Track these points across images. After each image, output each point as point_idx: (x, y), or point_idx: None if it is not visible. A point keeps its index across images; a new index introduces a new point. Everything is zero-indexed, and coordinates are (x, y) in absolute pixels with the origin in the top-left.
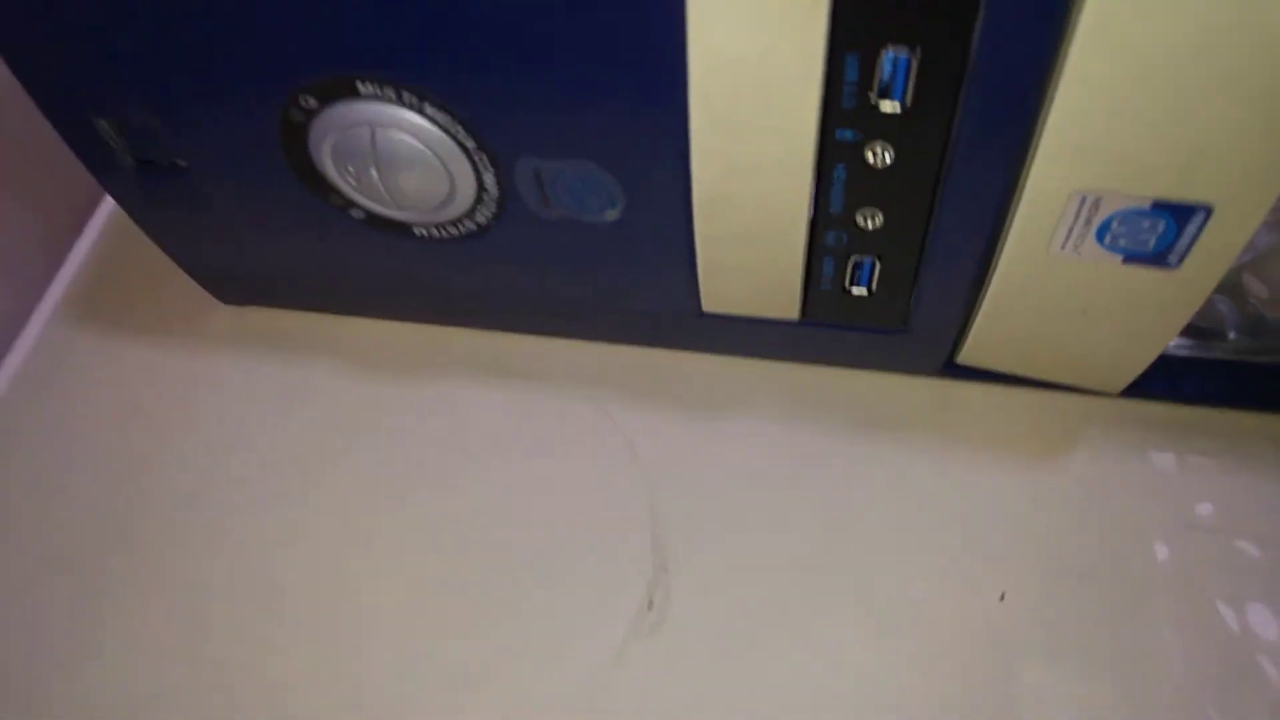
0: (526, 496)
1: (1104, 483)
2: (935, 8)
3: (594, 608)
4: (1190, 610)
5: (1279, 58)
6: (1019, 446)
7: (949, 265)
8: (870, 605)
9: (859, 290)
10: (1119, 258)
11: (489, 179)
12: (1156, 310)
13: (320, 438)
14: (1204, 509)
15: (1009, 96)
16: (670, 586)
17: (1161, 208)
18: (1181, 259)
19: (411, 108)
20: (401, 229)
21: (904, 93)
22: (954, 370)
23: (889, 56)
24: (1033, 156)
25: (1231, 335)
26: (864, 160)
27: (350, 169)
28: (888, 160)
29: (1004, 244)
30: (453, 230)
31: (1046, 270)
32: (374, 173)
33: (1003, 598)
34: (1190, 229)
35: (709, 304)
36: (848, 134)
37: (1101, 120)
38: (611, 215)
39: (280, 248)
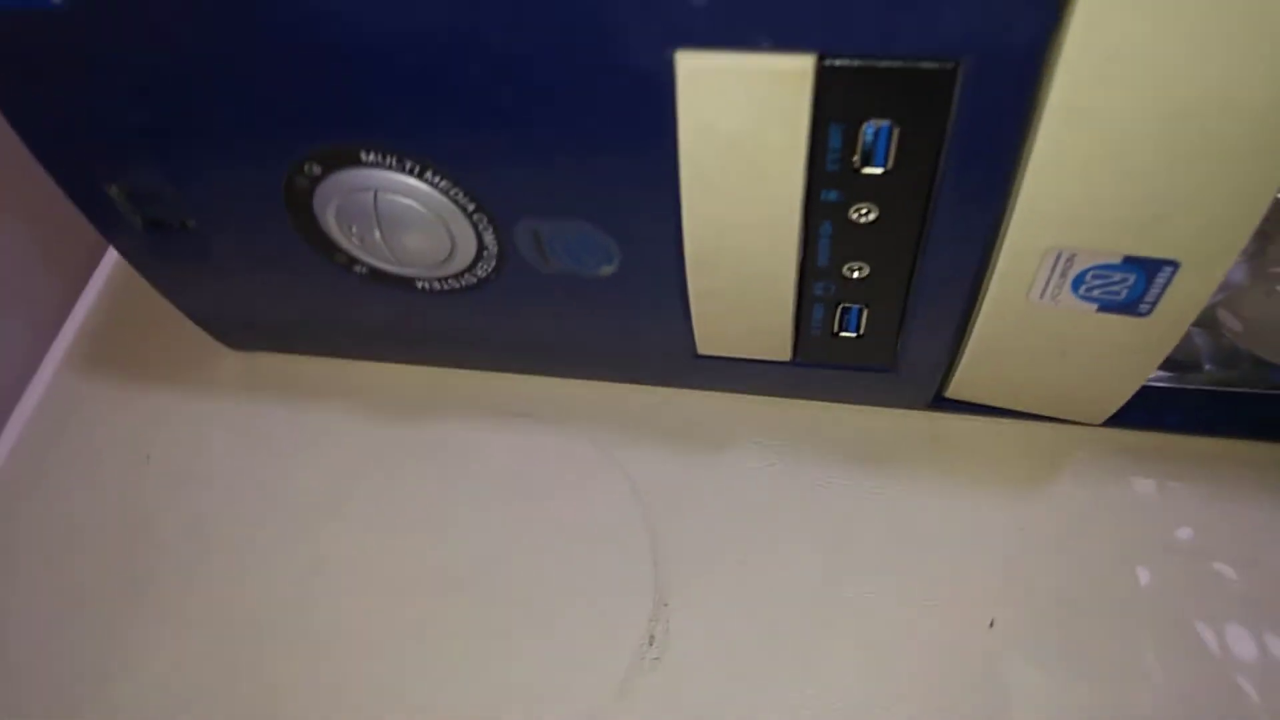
0: (529, 534)
1: (1088, 509)
2: (913, 87)
3: (595, 644)
4: (1171, 632)
5: (1239, 127)
6: (1007, 476)
7: (933, 312)
8: (865, 636)
9: (848, 334)
10: (1094, 306)
11: (489, 238)
12: (1132, 353)
13: (329, 480)
14: (1183, 533)
15: (985, 163)
16: (670, 621)
17: (1131, 262)
18: (1152, 308)
19: (413, 174)
20: (405, 283)
21: (886, 158)
22: (943, 404)
23: (870, 127)
24: (1010, 216)
25: (1208, 367)
26: (849, 218)
27: (354, 230)
28: (872, 218)
29: (985, 294)
30: (454, 284)
31: (1026, 317)
32: (377, 234)
33: (992, 624)
34: (1159, 281)
35: (704, 347)
36: (832, 195)
37: (1072, 184)
38: (608, 270)
39: (286, 300)
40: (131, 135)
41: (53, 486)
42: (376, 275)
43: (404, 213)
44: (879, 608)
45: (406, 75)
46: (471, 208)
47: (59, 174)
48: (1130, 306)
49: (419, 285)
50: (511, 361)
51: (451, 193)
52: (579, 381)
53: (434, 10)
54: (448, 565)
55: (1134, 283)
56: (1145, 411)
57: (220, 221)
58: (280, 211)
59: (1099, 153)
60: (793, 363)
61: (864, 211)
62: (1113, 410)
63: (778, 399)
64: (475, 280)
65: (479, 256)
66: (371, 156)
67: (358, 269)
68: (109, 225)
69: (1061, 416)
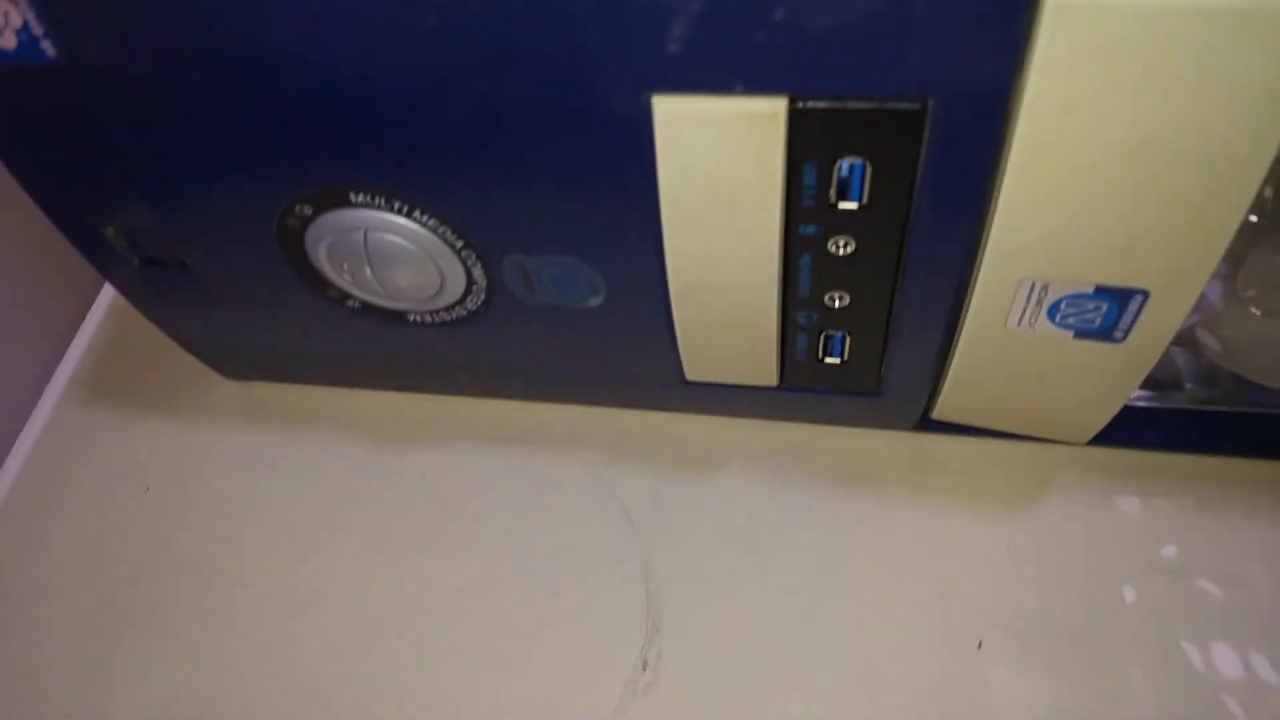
0: (522, 560)
1: (1073, 529)
2: (884, 126)
3: (589, 669)
4: (1157, 651)
5: (1194, 167)
6: (993, 496)
7: (915, 338)
8: (855, 658)
9: (832, 360)
10: (1070, 333)
11: (477, 272)
12: (1110, 377)
13: (325, 508)
14: (1168, 551)
15: (956, 197)
16: (663, 646)
17: (1103, 292)
18: (1127, 334)
19: (401, 213)
20: (396, 316)
21: (860, 194)
22: (929, 425)
23: (844, 164)
24: (984, 247)
25: (1189, 385)
26: (827, 251)
27: (345, 267)
28: (850, 250)
29: (965, 321)
30: (445, 316)
31: (1005, 344)
32: (368, 270)
33: (980, 646)
34: (1131, 308)
35: (691, 374)
36: (810, 229)
37: (1042, 217)
38: (595, 302)
39: (281, 332)
40: (125, 180)
41: (55, 517)
42: (369, 309)
43: (394, 250)
44: (868, 629)
45: (393, 121)
46: (459, 245)
47: (56, 216)
48: (1105, 333)
49: (410, 318)
50: (502, 388)
51: (440, 231)
52: (569, 406)
53: (419, 58)
54: (441, 592)
55: (1107, 311)
56: (1128, 430)
57: (215, 260)
58: (273, 250)
59: (1065, 188)
60: (779, 388)
61: (842, 244)
62: (1095, 431)
63: (767, 421)
64: (465, 313)
65: (468, 290)
66: (361, 197)
67: (350, 303)
68: (106, 263)
69: (1045, 437)
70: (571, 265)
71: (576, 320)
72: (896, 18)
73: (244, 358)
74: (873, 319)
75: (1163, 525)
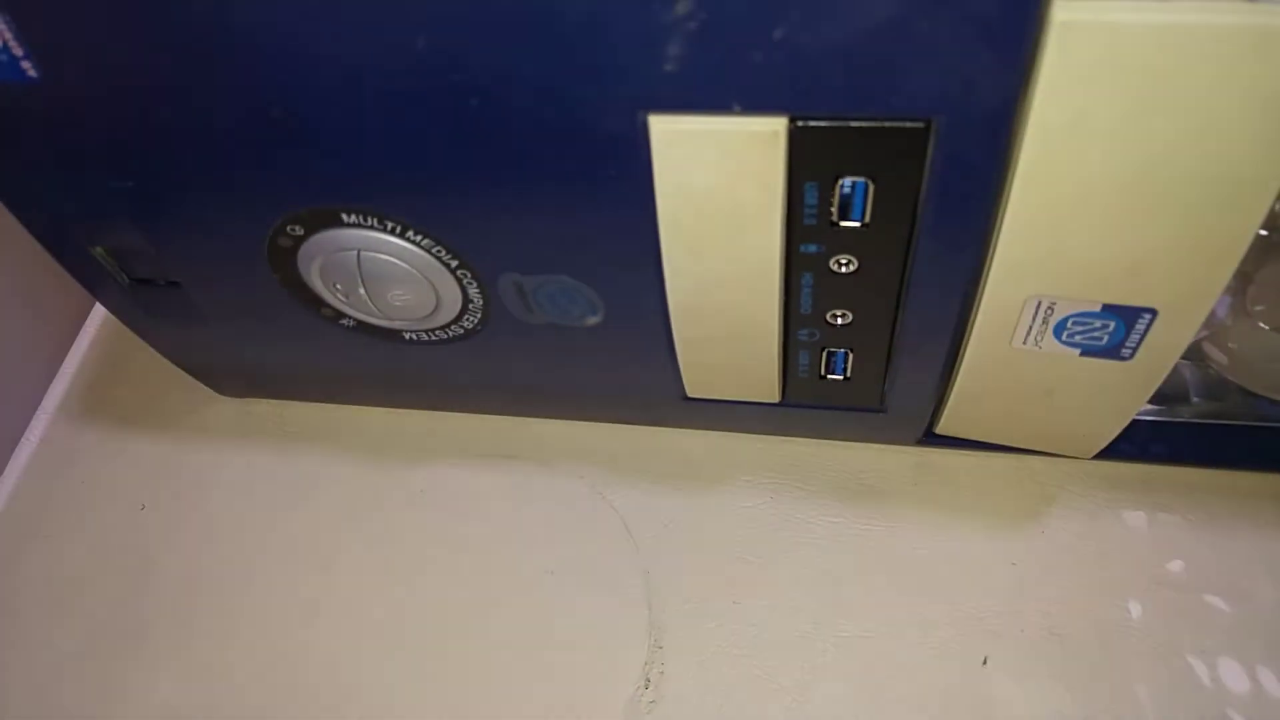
0: (522, 577)
1: (1079, 543)
2: (887, 145)
3: (591, 687)
4: (1163, 665)
5: (1204, 186)
6: (998, 511)
7: (919, 356)
8: (859, 674)
9: (835, 377)
10: (1077, 351)
11: (473, 292)
12: (1117, 393)
13: (323, 526)
14: (1175, 565)
15: (961, 216)
16: (665, 664)
17: (1110, 310)
18: (1134, 352)
19: (394, 233)
20: (392, 335)
21: (863, 212)
22: (933, 439)
23: (846, 182)
24: (989, 266)
25: (1196, 399)
26: (829, 269)
27: (339, 286)
28: (852, 269)
29: (969, 338)
30: (442, 335)
31: (1010, 362)
32: (362, 290)
33: (985, 661)
34: (1139, 327)
35: (692, 391)
36: (812, 247)
37: (1048, 236)
38: (593, 321)
39: (276, 351)
40: (112, 200)
41: (49, 536)
42: (364, 328)
43: (388, 270)
44: (872, 645)
45: (385, 142)
46: (454, 264)
47: (42, 237)
48: (1112, 351)
49: (406, 336)
50: (501, 405)
51: (434, 250)
52: (569, 423)
53: (409, 79)
54: (441, 609)
55: (1114, 329)
56: (1134, 444)
57: (206, 279)
58: (265, 270)
59: (1072, 207)
60: (781, 404)
61: (844, 262)
62: (1101, 446)
63: (768, 436)
64: (462, 331)
65: (464, 309)
66: (352, 218)
67: (345, 322)
68: (96, 283)
69: (1051, 451)
70: (569, 284)
71: (575, 338)
72: (900, 36)
73: (239, 375)
74: (876, 336)
75: (1169, 539)
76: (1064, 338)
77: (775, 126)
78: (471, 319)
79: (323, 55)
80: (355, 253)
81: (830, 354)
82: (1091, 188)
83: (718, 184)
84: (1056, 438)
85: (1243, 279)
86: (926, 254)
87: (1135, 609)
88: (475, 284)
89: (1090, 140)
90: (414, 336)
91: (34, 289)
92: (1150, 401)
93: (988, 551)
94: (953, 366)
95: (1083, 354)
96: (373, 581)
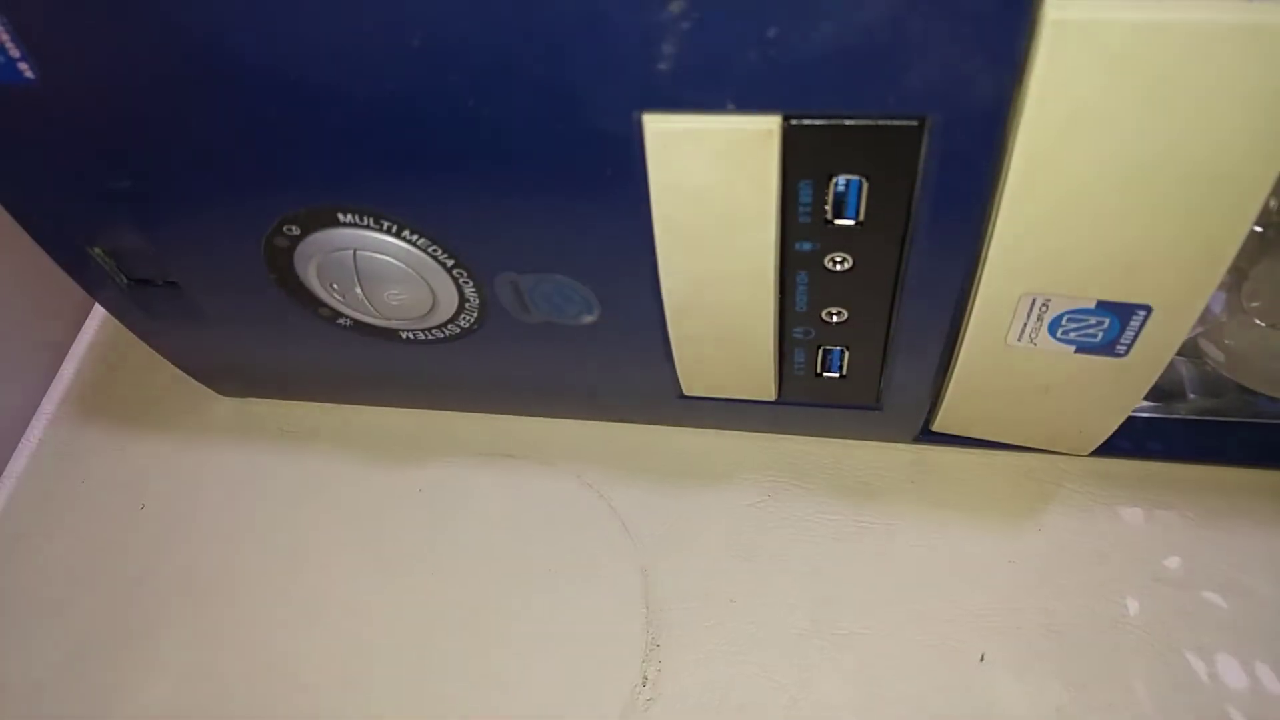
0: (520, 575)
1: (1076, 540)
2: (881, 143)
3: (589, 685)
4: (1161, 662)
5: (1198, 183)
6: (995, 508)
7: (914, 353)
8: (857, 672)
9: (831, 375)
10: (1071, 348)
11: (470, 291)
12: (1113, 390)
13: (321, 525)
14: (1172, 562)
15: (955, 214)
16: (663, 661)
17: (1105, 307)
18: (1129, 349)
19: (390, 233)
20: (389, 334)
21: (857, 211)
22: (930, 436)
23: (840, 181)
24: (984, 263)
25: (1192, 395)
26: (824, 267)
27: (335, 286)
28: (847, 266)
29: (964, 336)
30: (438, 334)
31: (1006, 359)
32: (359, 290)
33: (982, 658)
34: (1134, 324)
35: (689, 389)
36: (806, 245)
37: (1042, 233)
38: (589, 319)
39: (274, 350)
40: (109, 201)
41: (50, 535)
42: (361, 327)
43: (384, 269)
44: (870, 643)
45: (380, 141)
46: (451, 263)
47: (41, 238)
48: (1107, 348)
49: (403, 336)
50: (498, 404)
51: (430, 250)
52: (566, 421)
53: (405, 78)
54: (439, 608)
55: (1109, 326)
56: (1131, 441)
57: (204, 279)
58: (262, 269)
59: (1066, 204)
60: (778, 402)
61: (839, 260)
62: (1098, 443)
63: (765, 434)
64: (459, 330)
65: (461, 309)
66: (349, 217)
67: (342, 321)
68: (95, 284)
69: (1048, 448)
70: (565, 283)
71: (571, 337)
72: (893, 34)
73: (237, 375)
74: (871, 334)
75: (1166, 536)
76: (1059, 335)
77: (769, 125)
78: (468, 318)
79: (319, 55)
80: (351, 252)
81: (826, 352)
82: (1085, 185)
83: (712, 182)
84: (1053, 435)
85: (1238, 275)
86: (921, 251)
87: (1133, 606)
88: (471, 283)
89: (1084, 137)
90: (411, 336)
91: (34, 289)
92: (1147, 398)
93: (985, 549)
94: (948, 364)
95: (1078, 351)
96: (371, 580)
